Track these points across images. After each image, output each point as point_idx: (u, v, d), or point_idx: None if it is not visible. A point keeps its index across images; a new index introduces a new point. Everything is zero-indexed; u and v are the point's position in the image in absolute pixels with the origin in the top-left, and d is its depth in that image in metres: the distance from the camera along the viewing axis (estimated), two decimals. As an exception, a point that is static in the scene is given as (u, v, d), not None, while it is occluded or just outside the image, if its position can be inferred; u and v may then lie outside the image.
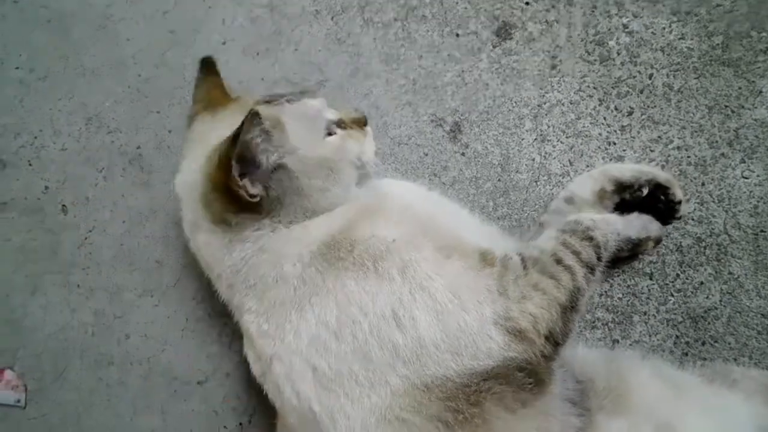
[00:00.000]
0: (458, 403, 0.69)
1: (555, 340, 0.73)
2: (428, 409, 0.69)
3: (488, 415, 0.69)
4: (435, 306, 0.71)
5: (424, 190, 0.95)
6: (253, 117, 0.73)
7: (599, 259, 0.81)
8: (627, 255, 0.96)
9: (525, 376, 0.71)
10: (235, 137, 0.73)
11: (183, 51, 1.16)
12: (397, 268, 0.74)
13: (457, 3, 1.12)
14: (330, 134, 0.87)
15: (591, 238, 0.81)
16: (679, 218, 0.96)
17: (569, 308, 0.75)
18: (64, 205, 1.15)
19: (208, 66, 0.96)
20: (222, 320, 0.88)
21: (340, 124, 0.89)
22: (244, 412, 1.04)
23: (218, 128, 0.82)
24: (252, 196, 0.77)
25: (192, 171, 0.84)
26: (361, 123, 0.92)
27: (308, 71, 1.13)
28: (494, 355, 0.70)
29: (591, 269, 0.79)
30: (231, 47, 1.15)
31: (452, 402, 0.69)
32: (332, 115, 0.90)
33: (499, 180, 1.05)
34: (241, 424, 1.05)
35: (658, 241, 0.96)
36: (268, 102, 0.86)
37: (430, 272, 0.74)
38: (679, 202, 0.94)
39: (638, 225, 0.92)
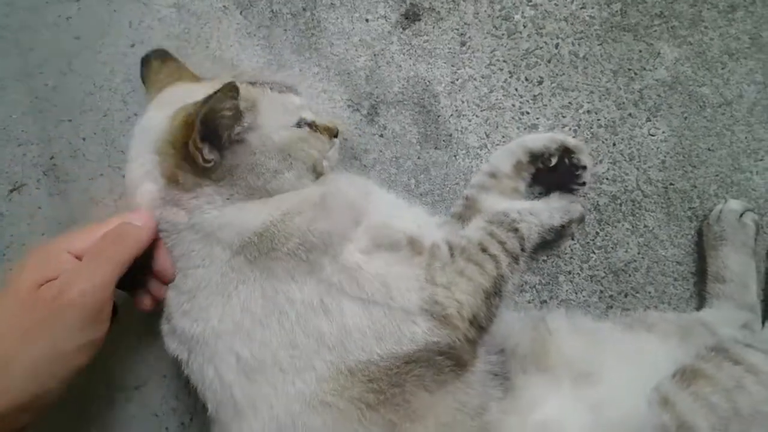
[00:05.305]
0: (380, 384, 0.70)
1: (479, 324, 0.76)
2: (351, 392, 0.70)
3: (409, 395, 0.71)
4: (362, 295, 0.73)
5: (362, 181, 0.95)
6: (230, 89, 0.73)
7: (523, 249, 0.86)
8: (553, 238, 0.97)
9: (445, 359, 0.74)
10: (207, 100, 0.72)
11: (91, 57, 1.13)
12: (328, 259, 0.75)
13: (364, -12, 1.12)
14: (299, 127, 0.87)
15: (516, 230, 0.85)
16: (583, 184, 0.99)
17: (493, 294, 0.78)
18: (-24, 224, 1.10)
19: (164, 55, 0.94)
20: (156, 323, 0.86)
21: (312, 125, 0.88)
22: (185, 411, 1.02)
23: (196, 94, 0.78)
24: (206, 161, 0.75)
25: (156, 119, 0.81)
26: (332, 133, 0.92)
27: (221, 67, 1.11)
28: (417, 339, 0.72)
29: (515, 258, 0.83)
30: (140, 49, 1.12)
31: (375, 384, 0.70)
32: (308, 115, 0.89)
33: (418, 158, 1.07)
34: (183, 423, 1.03)
35: (581, 221, 0.99)
36: (252, 83, 0.85)
37: (360, 262, 0.76)
38: (584, 167, 0.98)
39: (561, 210, 0.95)
